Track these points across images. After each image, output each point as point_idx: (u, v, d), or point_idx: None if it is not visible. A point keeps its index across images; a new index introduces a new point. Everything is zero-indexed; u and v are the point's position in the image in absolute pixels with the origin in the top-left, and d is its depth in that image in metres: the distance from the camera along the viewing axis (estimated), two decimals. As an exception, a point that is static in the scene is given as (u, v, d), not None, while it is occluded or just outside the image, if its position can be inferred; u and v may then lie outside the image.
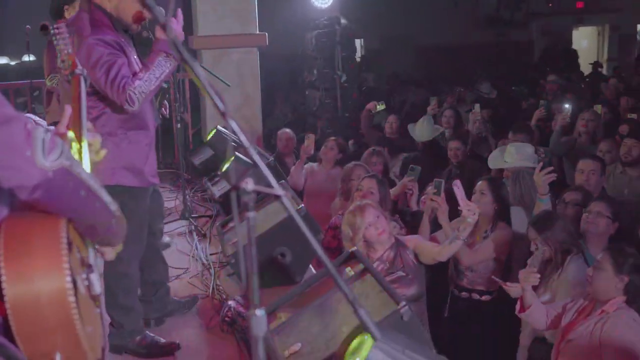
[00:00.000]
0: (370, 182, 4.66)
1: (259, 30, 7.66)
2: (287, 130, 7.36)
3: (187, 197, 5.92)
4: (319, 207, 5.48)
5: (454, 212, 4.24)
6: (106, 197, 1.80)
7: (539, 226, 4.05)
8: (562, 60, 16.18)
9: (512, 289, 3.92)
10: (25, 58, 7.33)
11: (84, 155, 2.05)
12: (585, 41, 20.06)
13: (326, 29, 10.83)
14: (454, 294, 4.69)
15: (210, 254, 4.92)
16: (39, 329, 1.59)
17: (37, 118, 2.80)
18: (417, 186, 5.10)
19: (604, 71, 16.57)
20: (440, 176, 4.99)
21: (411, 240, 4.16)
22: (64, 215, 1.67)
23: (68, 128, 2.02)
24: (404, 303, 2.56)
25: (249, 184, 1.42)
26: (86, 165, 2.03)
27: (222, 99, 1.51)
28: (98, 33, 3.22)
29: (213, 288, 4.33)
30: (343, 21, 11.07)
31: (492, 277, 4.31)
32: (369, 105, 7.69)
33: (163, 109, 4.77)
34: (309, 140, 6.18)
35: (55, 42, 2.62)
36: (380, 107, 7.68)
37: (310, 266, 4.24)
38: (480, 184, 4.70)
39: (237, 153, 4.44)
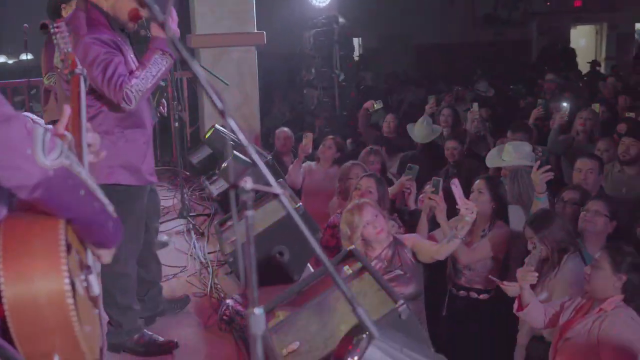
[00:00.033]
0: (368, 181, 4.66)
1: (257, 29, 7.66)
2: (285, 129, 7.36)
3: (185, 195, 5.92)
4: (317, 206, 5.48)
5: (452, 210, 4.24)
6: (103, 199, 1.80)
7: (536, 225, 4.05)
8: (561, 60, 16.18)
9: (509, 288, 3.93)
10: (23, 57, 7.33)
11: (83, 156, 2.04)
12: (583, 40, 20.08)
13: (324, 28, 10.82)
14: (452, 292, 4.70)
15: (208, 253, 4.92)
16: (38, 330, 1.59)
17: (34, 117, 2.80)
18: (415, 185, 5.10)
19: (602, 70, 16.59)
20: (437, 175, 5.00)
21: (409, 238, 4.16)
22: (63, 215, 1.67)
23: (67, 128, 2.01)
24: (402, 301, 2.56)
25: (247, 183, 1.42)
26: (85, 165, 2.03)
27: (222, 98, 1.51)
28: (94, 32, 3.22)
29: (211, 286, 4.33)
30: (341, 20, 11.07)
31: (489, 276, 4.32)
32: (367, 104, 7.70)
33: (161, 107, 4.77)
34: (307, 139, 6.18)
35: (55, 41, 2.62)
36: (378, 106, 7.68)
37: (309, 265, 4.25)
38: (478, 183, 4.70)
39: (235, 152, 4.44)
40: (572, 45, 18.79)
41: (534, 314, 3.72)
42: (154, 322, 3.89)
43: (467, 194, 4.35)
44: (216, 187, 5.57)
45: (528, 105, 9.35)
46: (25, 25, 6.70)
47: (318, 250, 1.61)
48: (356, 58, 14.69)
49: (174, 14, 3.27)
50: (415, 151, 6.98)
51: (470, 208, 3.91)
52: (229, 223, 4.64)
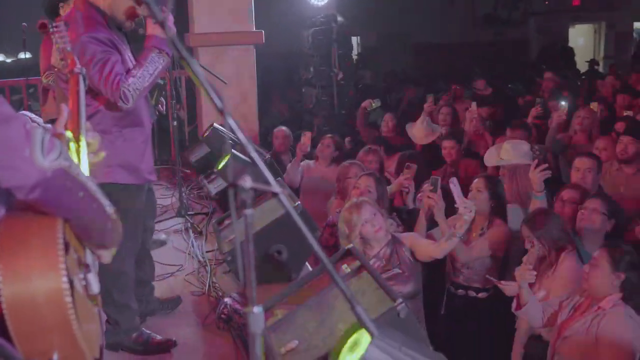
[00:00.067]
0: (367, 180, 4.66)
1: (256, 28, 7.66)
2: (284, 128, 7.36)
3: (183, 194, 5.92)
4: (315, 205, 5.48)
5: (451, 209, 4.24)
6: (103, 200, 1.80)
7: (532, 224, 4.06)
8: (561, 59, 16.18)
9: (507, 287, 3.93)
10: (21, 55, 7.32)
11: (82, 155, 2.04)
12: (582, 39, 20.08)
13: (323, 27, 10.80)
14: (450, 291, 4.70)
15: (207, 252, 4.92)
16: (36, 329, 1.59)
17: (33, 115, 2.81)
18: (413, 184, 5.10)
19: (600, 69, 16.59)
20: (436, 174, 5.00)
21: (407, 237, 4.16)
22: (61, 216, 1.67)
23: (66, 128, 2.01)
24: (400, 300, 2.56)
25: (247, 182, 1.42)
26: (84, 166, 2.03)
27: (221, 97, 1.51)
28: (91, 31, 3.22)
29: (209, 285, 4.33)
30: (339, 19, 11.05)
31: (487, 276, 4.33)
32: (364, 103, 7.70)
33: (160, 105, 4.76)
34: (305, 138, 6.18)
35: (54, 41, 2.62)
36: (376, 104, 7.68)
37: (307, 263, 4.24)
38: (477, 181, 4.70)
39: (233, 151, 4.44)
40: (571, 44, 18.80)
41: (533, 312, 3.72)
42: (144, 321, 3.89)
43: (465, 192, 4.35)
44: (214, 186, 5.56)
45: (526, 104, 9.35)
46: (24, 24, 6.70)
47: (317, 248, 1.61)
48: (355, 57, 14.68)
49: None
50: (413, 150, 6.97)
51: (468, 207, 3.91)
52: (227, 222, 4.63)
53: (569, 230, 4.17)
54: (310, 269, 4.13)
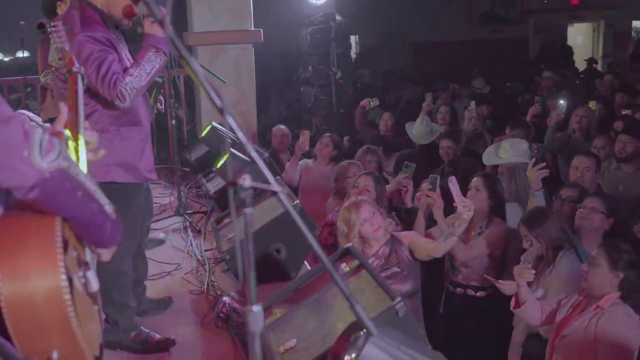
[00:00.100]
0: (366, 179, 4.67)
1: (254, 27, 7.66)
2: (282, 126, 7.35)
3: (182, 193, 5.92)
4: (314, 204, 5.48)
5: (449, 208, 4.24)
6: (102, 199, 1.79)
7: (530, 223, 4.06)
8: (560, 58, 16.17)
9: (505, 286, 3.93)
10: (19, 54, 7.31)
11: (81, 154, 2.04)
12: (580, 37, 20.07)
13: (321, 26, 10.80)
14: (448, 290, 4.70)
15: (205, 250, 4.92)
16: (35, 327, 1.59)
17: (31, 114, 2.80)
18: (412, 183, 5.10)
19: (599, 67, 16.57)
20: (434, 174, 5.00)
21: (406, 236, 4.16)
22: (60, 216, 1.67)
23: (65, 127, 2.01)
24: (399, 299, 2.56)
25: (246, 180, 1.42)
26: (83, 164, 2.02)
27: (220, 96, 1.51)
28: (88, 30, 3.21)
29: (208, 284, 4.33)
30: (338, 18, 11.05)
31: (485, 275, 4.33)
32: (363, 102, 7.69)
33: (159, 104, 4.76)
34: (304, 137, 6.17)
35: (52, 40, 2.62)
36: (374, 103, 7.68)
37: (305, 262, 4.24)
38: (476, 180, 4.71)
39: (232, 150, 4.44)
40: (569, 42, 18.80)
41: (531, 311, 3.72)
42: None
43: (464, 191, 4.35)
44: (213, 185, 5.56)
45: (525, 102, 9.36)
46: (22, 22, 6.69)
47: (316, 247, 1.61)
48: (353, 56, 14.66)
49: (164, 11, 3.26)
50: (412, 150, 6.97)
51: (467, 205, 3.91)
52: (226, 220, 4.64)
53: (567, 229, 4.18)
54: (309, 267, 4.13)
